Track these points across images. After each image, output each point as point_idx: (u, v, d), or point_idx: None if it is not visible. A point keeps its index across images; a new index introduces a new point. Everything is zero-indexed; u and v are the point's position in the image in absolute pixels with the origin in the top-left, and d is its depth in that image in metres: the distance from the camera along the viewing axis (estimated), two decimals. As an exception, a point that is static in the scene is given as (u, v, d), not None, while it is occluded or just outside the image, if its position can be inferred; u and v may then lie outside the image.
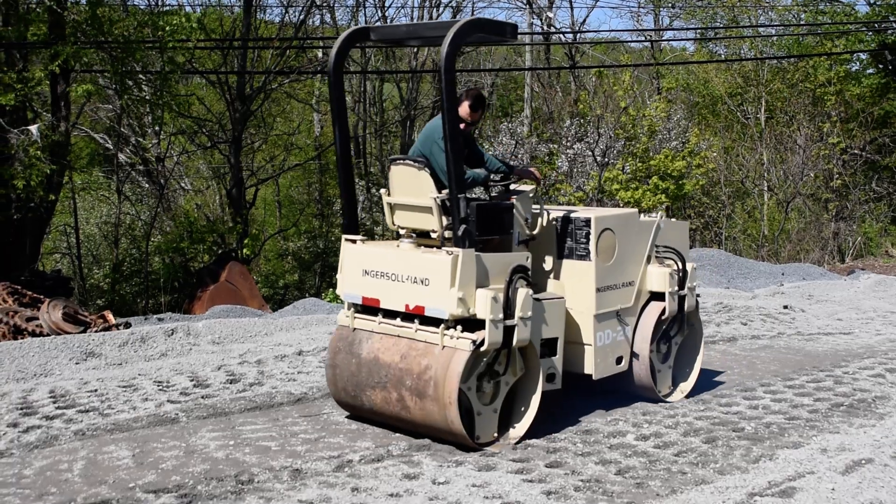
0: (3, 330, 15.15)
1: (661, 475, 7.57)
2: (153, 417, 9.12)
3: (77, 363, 11.58)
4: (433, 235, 8.55)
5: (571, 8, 68.29)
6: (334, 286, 12.68)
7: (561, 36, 44.98)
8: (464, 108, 8.94)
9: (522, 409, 8.58)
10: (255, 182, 36.78)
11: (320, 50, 38.16)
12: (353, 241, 8.95)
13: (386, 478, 7.46)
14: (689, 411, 9.42)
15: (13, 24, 22.37)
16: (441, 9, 42.58)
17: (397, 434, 8.63)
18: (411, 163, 8.59)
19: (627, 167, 31.23)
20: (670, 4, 46.35)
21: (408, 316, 8.40)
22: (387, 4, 42.70)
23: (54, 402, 9.63)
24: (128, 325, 16.07)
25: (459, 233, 7.95)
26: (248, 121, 33.56)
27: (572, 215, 9.16)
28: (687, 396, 9.99)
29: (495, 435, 8.34)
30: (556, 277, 9.20)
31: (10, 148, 21.75)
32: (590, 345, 9.03)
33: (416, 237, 8.86)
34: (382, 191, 9.03)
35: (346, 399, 9.00)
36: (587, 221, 9.00)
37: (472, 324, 8.06)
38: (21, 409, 9.43)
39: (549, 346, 8.72)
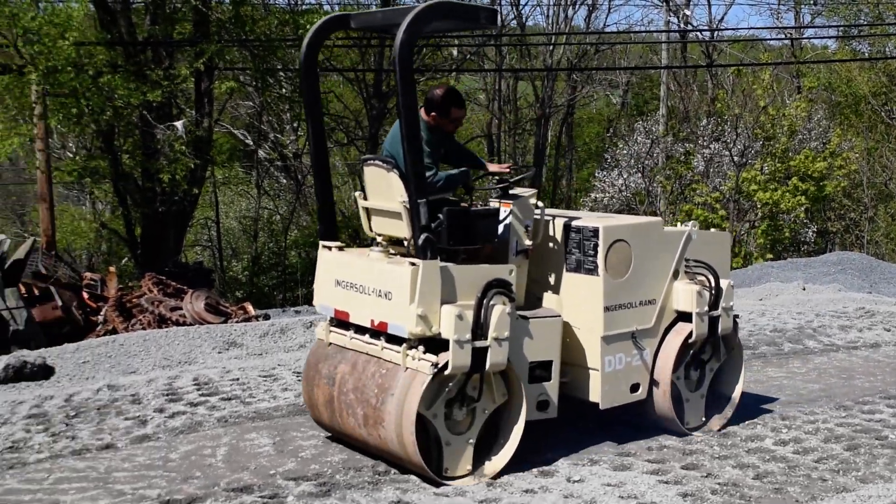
0: (148, 319, 15.62)
1: (800, 481, 7.35)
2: (293, 407, 9.25)
3: (219, 352, 11.85)
4: (406, 243, 7.56)
5: (709, 5, 66.71)
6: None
7: (698, 34, 44.32)
8: (445, 108, 7.77)
9: (502, 440, 7.48)
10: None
11: (455, 49, 38.33)
12: (329, 248, 8.02)
13: (520, 474, 7.43)
14: (829, 417, 9.09)
15: (160, 23, 22.99)
16: None
17: (531, 434, 8.53)
18: (380, 163, 7.52)
19: (766, 168, 30.66)
20: (812, 1, 45.38)
21: (377, 332, 7.46)
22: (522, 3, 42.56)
23: (198, 390, 9.86)
24: (267, 317, 16.42)
25: (420, 241, 6.94)
26: (384, 118, 33.87)
27: (579, 223, 7.99)
28: (721, 429, 8.67)
29: (469, 468, 7.28)
30: (563, 293, 8.08)
31: (156, 143, 22.39)
32: (596, 370, 7.87)
33: (388, 245, 7.82)
34: (357, 193, 8.05)
35: (322, 420, 8.12)
36: (595, 231, 7.82)
37: (439, 344, 7.03)
38: (167, 395, 9.69)
39: (541, 370, 7.65)
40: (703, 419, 8.63)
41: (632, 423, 8.50)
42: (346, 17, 8.05)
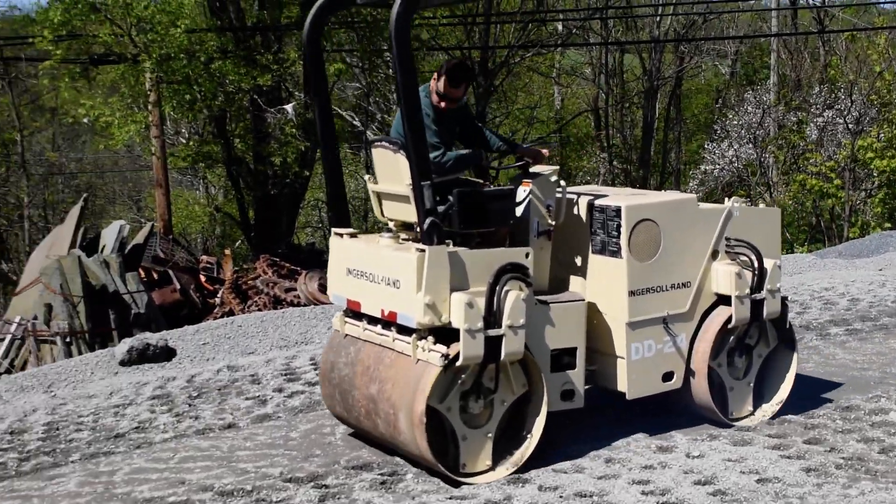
0: (264, 300, 15.91)
1: (928, 455, 7.15)
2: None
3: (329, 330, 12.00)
4: (416, 228, 7.11)
5: (820, -30, 65.57)
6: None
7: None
8: (441, 82, 7.25)
9: (525, 433, 7.07)
10: (498, 155, 37.15)
11: (560, 23, 38.09)
12: (341, 236, 7.62)
13: (639, 450, 7.37)
14: (958, 390, 8.81)
15: (268, 7, 23.27)
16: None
17: (649, 409, 8.45)
18: (387, 145, 7.13)
19: (882, 134, 29.88)
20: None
21: (388, 322, 7.08)
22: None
23: (315, 369, 9.98)
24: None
25: (426, 226, 6.51)
26: (490, 96, 33.86)
27: (603, 202, 7.42)
28: (772, 419, 8.00)
29: (489, 463, 6.89)
30: (588, 276, 7.56)
31: (267, 126, 22.69)
32: (623, 357, 7.36)
33: (400, 230, 7.51)
34: (367, 177, 7.64)
35: (341, 414, 7.78)
36: (618, 211, 7.23)
37: (451, 333, 6.63)
38: (285, 375, 9.86)
39: (565, 358, 7.20)
40: (751, 409, 8.03)
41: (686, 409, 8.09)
42: None
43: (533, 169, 7.50)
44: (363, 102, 36.14)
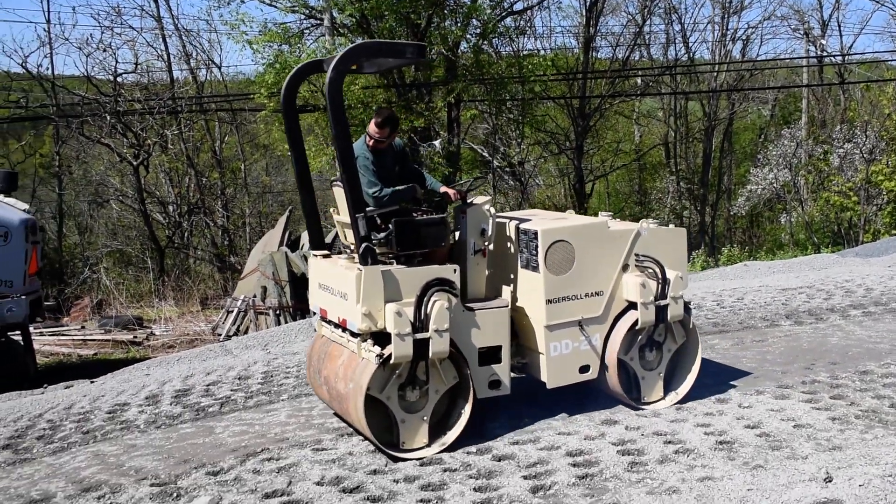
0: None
1: (933, 409, 6.84)
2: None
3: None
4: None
5: (840, 35, 63.20)
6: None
7: (832, 58, 41.87)
8: (371, 126, 6.82)
9: (457, 416, 6.57)
10: (592, 178, 36.90)
11: (639, 78, 37.56)
12: (316, 256, 7.22)
13: (702, 401, 7.22)
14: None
15: (422, 69, 23.49)
16: (734, 39, 40.76)
17: (710, 371, 8.27)
18: (340, 184, 6.55)
19: (891, 161, 28.93)
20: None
21: (344, 326, 6.68)
22: (689, 37, 41.28)
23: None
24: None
25: (360, 251, 6.16)
26: (587, 133, 33.58)
27: (526, 226, 6.85)
28: (681, 402, 7.28)
29: (425, 441, 6.41)
30: (518, 287, 6.98)
31: (419, 157, 22.92)
32: (543, 354, 6.82)
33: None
34: (332, 209, 7.19)
35: (323, 398, 7.25)
36: (535, 234, 6.70)
37: (387, 336, 6.22)
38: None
39: (491, 354, 6.67)
40: (661, 395, 7.29)
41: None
42: (320, 63, 6.93)
43: (470, 200, 6.91)
44: (490, 139, 36.21)
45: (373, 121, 6.79)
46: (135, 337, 17.48)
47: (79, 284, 25.33)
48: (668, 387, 7.35)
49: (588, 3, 34.55)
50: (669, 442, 6.27)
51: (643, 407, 7.13)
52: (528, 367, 7.04)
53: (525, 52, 31.50)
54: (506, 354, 6.68)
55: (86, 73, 23.48)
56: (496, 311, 6.65)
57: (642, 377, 7.22)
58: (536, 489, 5.53)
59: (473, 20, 23.71)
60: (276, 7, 23.96)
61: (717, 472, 5.65)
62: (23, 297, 11.48)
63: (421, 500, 5.42)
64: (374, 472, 5.96)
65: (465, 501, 5.38)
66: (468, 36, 24.13)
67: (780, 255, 26.79)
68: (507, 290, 6.80)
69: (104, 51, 22.15)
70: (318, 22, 24.13)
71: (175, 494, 5.71)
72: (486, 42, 24.79)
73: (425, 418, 6.40)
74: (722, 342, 9.44)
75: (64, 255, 27.79)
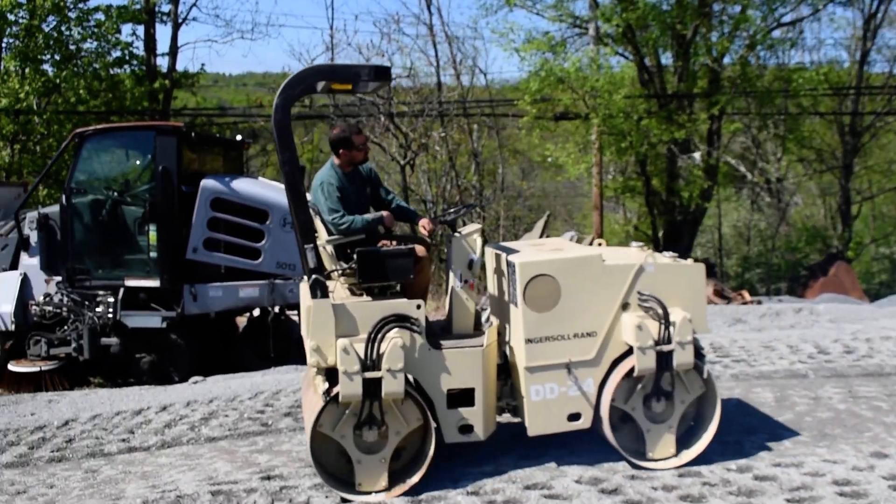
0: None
1: None
2: (787, 372, 8.95)
3: (729, 326, 11.79)
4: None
5: None
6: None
7: None
8: (357, 138, 6.45)
9: (421, 460, 5.95)
10: (860, 200, 34.73)
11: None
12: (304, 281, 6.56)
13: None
14: None
15: (685, 80, 23.14)
16: None
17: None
18: (311, 211, 6.14)
19: None
20: None
21: None
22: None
23: (714, 352, 9.81)
24: (759, 302, 16.02)
25: (310, 283, 5.72)
26: (857, 152, 31.63)
27: (510, 258, 6.13)
28: (690, 464, 6.23)
29: (385, 484, 5.86)
30: (508, 323, 6.28)
31: (678, 169, 22.62)
32: (524, 397, 6.07)
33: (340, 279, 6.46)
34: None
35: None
36: (513, 266, 6.01)
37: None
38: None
39: (461, 397, 6.01)
40: (673, 451, 6.28)
41: None
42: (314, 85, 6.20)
43: (458, 229, 6.38)
44: (746, 153, 35.04)
45: (354, 136, 6.44)
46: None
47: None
48: (683, 443, 6.37)
49: (866, 15, 32.50)
50: (949, 482, 5.91)
51: (647, 464, 6.20)
52: (517, 409, 6.36)
53: (793, 65, 30.21)
54: (480, 397, 6.03)
55: (363, 77, 25.15)
56: (467, 350, 6.02)
57: (647, 430, 6.28)
58: (800, 513, 5.42)
59: (741, 31, 23.08)
60: (542, 17, 24.46)
61: None
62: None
63: (681, 509, 5.47)
64: (632, 477, 6.05)
65: (726, 516, 5.38)
66: (734, 47, 23.50)
67: None
68: (493, 328, 6.27)
69: (381, 56, 23.57)
70: (583, 31, 24.38)
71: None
72: (752, 54, 24.00)
73: (384, 460, 5.88)
74: None
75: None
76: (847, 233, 30.22)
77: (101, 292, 11.06)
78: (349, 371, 5.63)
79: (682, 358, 6.07)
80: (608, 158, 24.29)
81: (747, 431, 6.91)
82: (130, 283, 11.06)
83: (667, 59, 24.60)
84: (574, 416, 6.14)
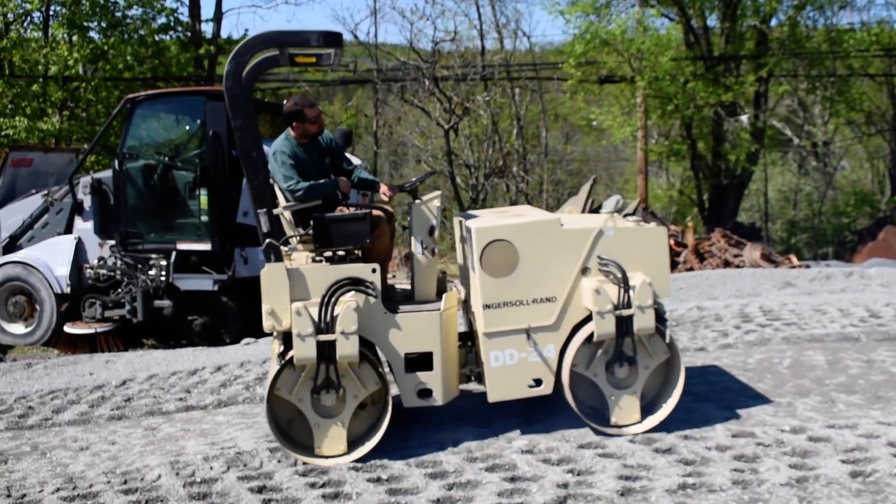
0: (716, 262, 15.73)
1: None
2: (839, 335, 8.85)
3: (778, 289, 11.65)
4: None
5: None
6: None
7: None
8: (309, 112, 6.36)
9: (378, 423, 5.94)
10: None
11: None
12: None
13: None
14: None
15: (732, 42, 22.76)
16: None
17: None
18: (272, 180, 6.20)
19: None
20: None
21: None
22: None
23: (764, 315, 9.76)
24: (807, 266, 15.83)
25: (263, 248, 5.78)
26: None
27: (469, 223, 6.11)
28: (652, 431, 6.08)
29: (343, 448, 5.84)
30: (469, 289, 6.29)
31: (724, 132, 22.32)
32: (484, 364, 6.01)
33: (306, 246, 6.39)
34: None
35: None
36: (470, 231, 5.98)
37: None
38: (741, 317, 9.75)
39: (420, 361, 5.98)
40: (638, 417, 6.14)
41: None
42: (277, 57, 6.10)
43: (419, 196, 6.32)
44: (792, 116, 34.44)
45: (306, 109, 6.36)
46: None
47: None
48: (648, 409, 6.23)
49: (920, -27, 31.63)
50: None
51: (612, 430, 6.08)
52: (479, 376, 6.33)
53: (842, 26, 29.54)
54: (439, 362, 5.99)
55: (409, 41, 25.10)
56: (423, 314, 5.99)
57: (610, 396, 6.15)
58: (856, 474, 5.38)
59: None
60: (586, -22, 24.11)
61: None
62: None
63: (735, 469, 5.47)
64: (686, 437, 6.06)
65: (781, 476, 5.36)
66: (782, 7, 23.03)
67: None
68: (452, 293, 6.21)
69: (425, 20, 23.50)
70: (629, -7, 24.03)
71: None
72: (801, 15, 23.50)
73: (342, 423, 5.86)
74: None
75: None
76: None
77: (153, 256, 11.21)
78: (303, 333, 5.63)
79: (643, 322, 5.96)
80: (653, 122, 24.04)
81: (800, 393, 6.87)
82: (182, 246, 11.18)
83: (713, 20, 24.21)
84: (536, 382, 6.08)
